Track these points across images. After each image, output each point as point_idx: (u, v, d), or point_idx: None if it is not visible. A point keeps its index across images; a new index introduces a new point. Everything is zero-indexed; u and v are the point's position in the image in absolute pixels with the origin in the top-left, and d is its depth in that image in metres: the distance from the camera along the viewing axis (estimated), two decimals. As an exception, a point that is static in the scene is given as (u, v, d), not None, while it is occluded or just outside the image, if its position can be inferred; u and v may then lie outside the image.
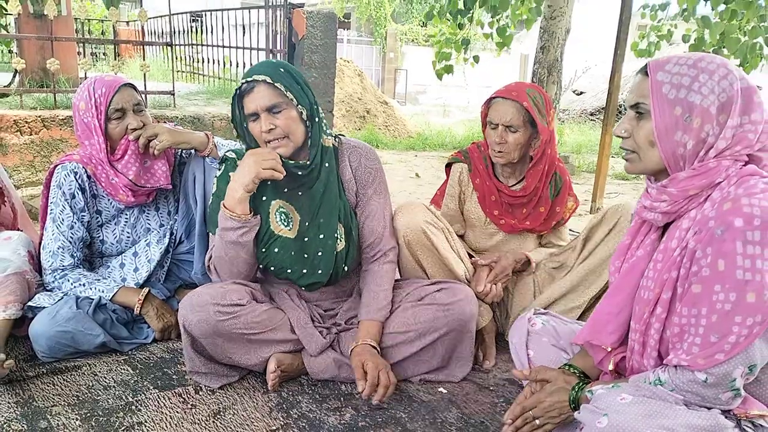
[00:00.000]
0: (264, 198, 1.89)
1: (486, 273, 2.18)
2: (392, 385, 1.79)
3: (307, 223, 1.91)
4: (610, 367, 1.42)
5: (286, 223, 1.90)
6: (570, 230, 2.52)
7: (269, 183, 1.86)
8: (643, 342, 1.32)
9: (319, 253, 1.91)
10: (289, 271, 1.91)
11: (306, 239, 1.90)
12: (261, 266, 1.95)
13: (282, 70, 1.81)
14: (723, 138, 1.20)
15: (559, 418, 1.43)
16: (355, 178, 2.00)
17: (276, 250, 1.88)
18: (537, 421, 1.44)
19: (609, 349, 1.42)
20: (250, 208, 1.83)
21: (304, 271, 1.91)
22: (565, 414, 1.42)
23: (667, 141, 1.24)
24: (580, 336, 1.47)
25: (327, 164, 1.91)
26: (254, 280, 2.02)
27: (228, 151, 1.96)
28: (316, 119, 1.86)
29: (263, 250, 1.89)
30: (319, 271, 1.92)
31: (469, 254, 2.32)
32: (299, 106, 1.81)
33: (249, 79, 1.77)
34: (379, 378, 1.77)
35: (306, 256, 1.90)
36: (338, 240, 1.92)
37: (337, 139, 1.99)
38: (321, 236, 1.90)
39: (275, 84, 1.77)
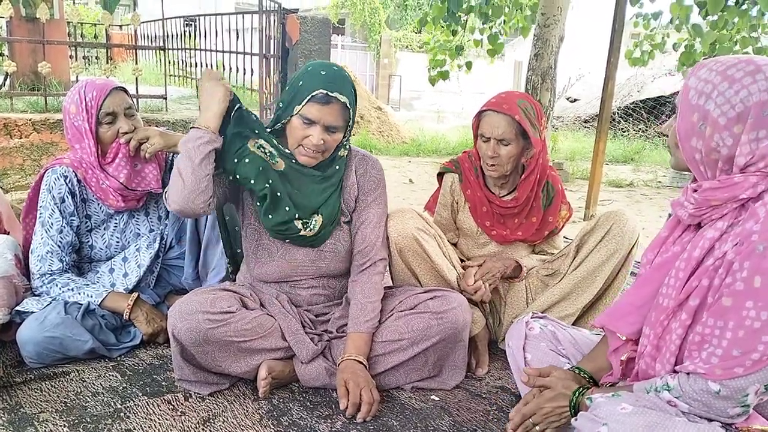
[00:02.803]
0: (246, 136, 1.87)
1: (474, 271, 2.17)
2: (375, 403, 1.78)
3: (288, 194, 1.89)
4: (623, 357, 1.42)
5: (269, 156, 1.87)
6: (564, 237, 2.51)
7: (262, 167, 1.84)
8: (658, 346, 1.31)
9: (287, 208, 1.87)
10: (252, 182, 1.83)
11: (278, 194, 1.86)
12: (228, 176, 1.86)
13: (354, 91, 1.86)
14: (741, 154, 1.18)
15: (558, 422, 1.44)
16: (358, 184, 2.01)
17: (247, 161, 1.83)
18: (537, 427, 1.45)
19: (623, 338, 1.41)
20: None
21: (265, 186, 1.83)
22: (564, 419, 1.42)
23: (687, 145, 1.25)
24: (600, 319, 1.48)
25: (337, 167, 1.94)
26: (231, 280, 2.03)
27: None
28: (347, 140, 1.93)
29: (235, 160, 1.84)
30: (283, 210, 1.87)
31: (461, 260, 2.31)
32: (348, 131, 1.89)
33: (331, 94, 1.76)
34: (362, 396, 1.76)
35: (279, 195, 1.86)
36: (308, 226, 1.90)
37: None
38: (288, 208, 1.87)
39: (350, 110, 1.83)
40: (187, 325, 1.77)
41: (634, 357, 1.41)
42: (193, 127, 1.81)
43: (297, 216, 1.89)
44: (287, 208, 1.88)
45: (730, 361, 1.14)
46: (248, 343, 1.85)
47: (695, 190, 1.27)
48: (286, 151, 1.88)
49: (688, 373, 1.21)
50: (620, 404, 1.23)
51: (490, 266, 2.18)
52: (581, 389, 1.42)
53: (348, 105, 1.81)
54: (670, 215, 1.43)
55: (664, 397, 1.24)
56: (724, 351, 1.15)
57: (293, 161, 1.88)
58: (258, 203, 1.89)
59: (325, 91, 1.76)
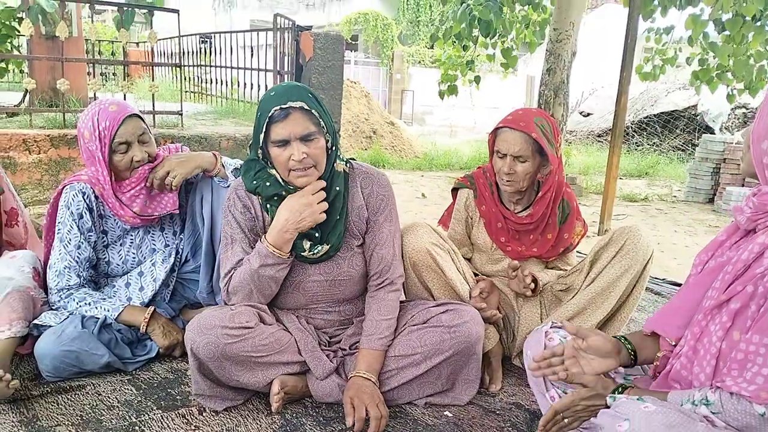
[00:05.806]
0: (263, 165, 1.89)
1: (478, 291, 2.14)
2: (384, 418, 1.78)
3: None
4: (658, 353, 1.40)
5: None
6: (577, 252, 2.50)
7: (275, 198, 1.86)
8: (695, 347, 1.29)
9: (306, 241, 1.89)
10: (275, 199, 1.86)
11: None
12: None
13: (311, 95, 1.80)
14: None
15: (589, 417, 1.44)
16: (366, 205, 1.97)
17: (268, 184, 1.85)
18: (566, 420, 1.45)
19: (673, 343, 1.39)
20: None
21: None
22: (594, 415, 1.42)
23: (758, 147, 1.22)
24: (649, 324, 1.46)
25: (338, 188, 1.90)
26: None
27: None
28: (335, 147, 1.88)
29: (254, 182, 1.87)
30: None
31: (474, 274, 2.31)
32: (327, 134, 1.83)
33: (284, 106, 1.74)
34: (369, 412, 1.76)
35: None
36: (313, 250, 1.89)
37: (348, 164, 1.97)
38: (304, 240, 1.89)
39: (312, 111, 1.76)
40: (206, 340, 1.78)
41: (668, 356, 1.39)
42: (272, 247, 1.82)
43: (308, 239, 1.88)
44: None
45: None
46: (265, 357, 1.86)
47: (754, 194, 1.25)
48: (286, 183, 1.86)
49: (731, 393, 1.18)
50: (643, 403, 1.21)
51: (494, 299, 2.18)
52: (619, 390, 1.40)
53: (308, 107, 1.75)
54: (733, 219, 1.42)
55: (701, 411, 1.21)
56: None
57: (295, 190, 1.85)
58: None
59: (278, 106, 1.74)
